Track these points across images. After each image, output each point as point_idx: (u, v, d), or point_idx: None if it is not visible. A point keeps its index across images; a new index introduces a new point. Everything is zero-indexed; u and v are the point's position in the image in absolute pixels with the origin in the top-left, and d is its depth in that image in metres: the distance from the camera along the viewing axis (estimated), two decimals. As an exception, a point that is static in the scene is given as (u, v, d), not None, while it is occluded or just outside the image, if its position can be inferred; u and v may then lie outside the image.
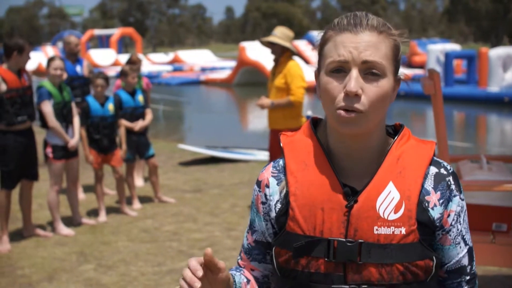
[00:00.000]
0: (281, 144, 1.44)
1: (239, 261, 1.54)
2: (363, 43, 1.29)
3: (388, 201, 1.31)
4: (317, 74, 1.40)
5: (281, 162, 1.45)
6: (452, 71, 19.95)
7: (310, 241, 1.33)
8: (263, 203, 1.44)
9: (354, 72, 1.28)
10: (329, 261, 1.32)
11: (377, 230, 1.30)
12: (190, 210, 6.76)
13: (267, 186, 1.44)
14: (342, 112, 1.28)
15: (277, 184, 1.42)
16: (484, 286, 4.38)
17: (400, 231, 1.30)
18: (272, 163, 1.48)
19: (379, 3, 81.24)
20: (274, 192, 1.42)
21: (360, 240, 1.31)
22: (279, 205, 1.41)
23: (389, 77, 1.33)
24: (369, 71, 1.29)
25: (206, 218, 6.42)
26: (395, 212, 1.31)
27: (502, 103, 17.50)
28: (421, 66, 28.25)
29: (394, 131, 1.45)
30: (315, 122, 1.47)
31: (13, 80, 5.39)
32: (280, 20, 71.10)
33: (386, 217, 1.31)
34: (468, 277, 1.42)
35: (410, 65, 28.91)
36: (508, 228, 3.39)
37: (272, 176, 1.44)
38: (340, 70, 1.30)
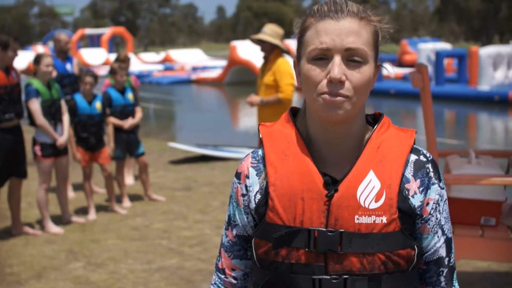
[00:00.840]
0: (260, 135, 1.42)
1: (219, 263, 1.50)
2: (345, 30, 1.28)
3: (368, 190, 1.30)
4: (297, 62, 1.39)
5: (260, 152, 1.43)
6: (443, 70, 20.01)
7: (290, 231, 1.31)
8: (243, 195, 1.42)
9: (337, 59, 1.27)
10: (310, 251, 1.30)
11: (358, 219, 1.29)
12: (180, 208, 6.74)
13: (247, 177, 1.42)
14: (327, 96, 1.27)
15: (257, 174, 1.40)
16: (474, 283, 4.39)
17: (381, 220, 1.29)
18: (251, 153, 1.45)
19: (369, 2, 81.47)
20: (254, 183, 1.40)
21: (341, 230, 1.29)
22: (258, 196, 1.39)
23: (371, 63, 1.32)
24: (352, 58, 1.28)
25: (196, 216, 6.40)
26: (376, 201, 1.30)
27: (492, 101, 17.56)
28: (411, 65, 28.33)
29: (374, 120, 1.44)
30: (294, 112, 1.46)
31: (0, 78, 5.34)
32: (271, 20, 71.05)
33: (367, 206, 1.29)
34: (445, 270, 1.40)
35: (400, 64, 28.97)
36: (497, 222, 3.39)
37: (252, 166, 1.42)
38: (322, 57, 1.29)
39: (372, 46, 1.32)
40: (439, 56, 19.61)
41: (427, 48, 21.24)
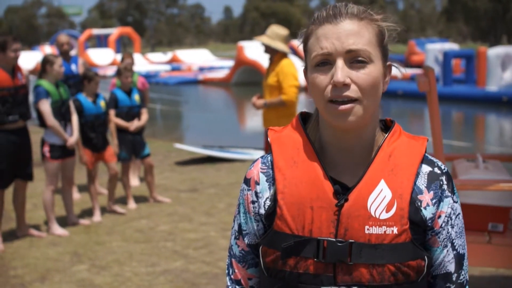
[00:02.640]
0: (269, 140, 1.39)
1: (232, 275, 1.44)
2: (345, 32, 1.26)
3: (379, 200, 1.27)
4: (306, 71, 1.36)
5: (269, 157, 1.40)
6: (451, 70, 19.92)
7: (299, 241, 1.28)
8: (253, 202, 1.38)
9: (340, 63, 1.25)
10: (319, 261, 1.27)
11: (368, 229, 1.26)
12: (186, 210, 6.71)
13: (257, 183, 1.38)
14: (335, 105, 1.25)
15: (267, 180, 1.37)
16: (482, 287, 4.34)
17: (392, 231, 1.26)
18: (260, 159, 1.42)
19: (377, 3, 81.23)
20: (264, 189, 1.37)
21: (350, 240, 1.26)
22: (268, 202, 1.36)
23: (377, 63, 1.28)
24: (355, 59, 1.26)
25: (202, 218, 6.37)
26: (387, 211, 1.26)
27: (501, 102, 17.47)
28: (419, 65, 28.21)
29: (385, 126, 1.40)
30: (304, 117, 1.43)
31: (4, 79, 5.32)
32: (278, 20, 71.04)
33: (377, 217, 1.26)
34: (453, 286, 1.35)
35: (408, 64, 28.86)
36: (505, 228, 3.34)
37: (262, 172, 1.39)
38: (325, 63, 1.27)
39: (376, 46, 1.29)
40: (447, 56, 19.52)
41: (434, 49, 21.15)
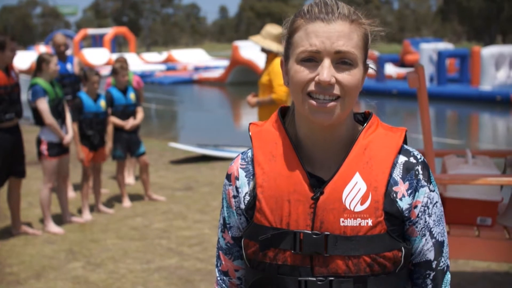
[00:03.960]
0: (250, 134, 1.42)
1: (220, 266, 1.49)
2: (336, 33, 1.27)
3: (354, 193, 1.29)
4: (284, 61, 1.38)
5: (249, 153, 1.44)
6: (445, 70, 19.98)
7: (276, 233, 1.32)
8: (234, 196, 1.42)
9: (327, 62, 1.27)
10: (296, 253, 1.30)
11: (343, 222, 1.28)
12: (180, 208, 6.75)
13: (237, 178, 1.42)
14: (314, 102, 1.27)
15: (246, 176, 1.40)
16: (474, 283, 4.39)
17: (367, 223, 1.28)
18: (240, 154, 1.46)
19: (372, 3, 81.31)
20: (243, 184, 1.40)
21: (326, 233, 1.29)
22: (247, 197, 1.39)
23: (360, 66, 1.31)
24: (341, 60, 1.28)
25: (196, 216, 6.41)
26: (362, 204, 1.29)
27: (495, 101, 17.53)
28: (413, 65, 28.23)
29: (364, 118, 1.43)
30: (283, 112, 1.45)
31: (1, 78, 5.35)
32: (274, 20, 70.94)
33: (352, 209, 1.29)
34: (433, 273, 1.38)
35: (403, 64, 28.90)
36: (493, 222, 3.39)
37: (241, 168, 1.42)
38: (311, 59, 1.29)
39: (362, 49, 1.31)
40: (441, 56, 19.58)
41: (429, 48, 21.20)
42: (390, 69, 24.17)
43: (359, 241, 1.28)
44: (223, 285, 1.50)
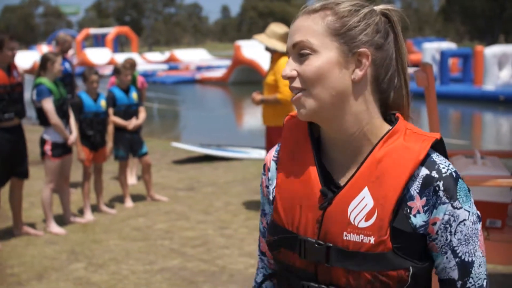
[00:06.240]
0: (284, 124, 1.42)
1: (261, 247, 1.52)
2: (295, 28, 1.29)
3: (360, 208, 1.24)
4: None
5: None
6: (448, 69, 19.93)
7: (285, 237, 1.32)
8: (267, 186, 1.43)
9: (290, 58, 1.30)
10: (301, 258, 1.30)
11: (346, 236, 1.24)
12: (183, 208, 6.70)
13: (269, 169, 1.43)
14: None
15: (276, 169, 1.40)
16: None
17: (369, 240, 1.22)
18: (276, 146, 1.45)
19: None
20: (273, 177, 1.41)
21: (328, 244, 1.26)
22: (274, 191, 1.39)
23: (323, 52, 1.24)
24: (299, 53, 1.28)
25: (199, 216, 6.36)
26: (366, 220, 1.23)
27: (497, 101, 17.48)
28: (416, 64, 28.20)
29: (396, 120, 1.32)
30: None
31: (1, 77, 5.30)
32: (276, 19, 70.98)
33: (356, 224, 1.23)
34: None
35: (406, 63, 28.85)
36: (503, 225, 3.32)
37: (273, 160, 1.43)
38: None
39: (327, 35, 1.25)
40: (444, 55, 19.54)
41: (432, 48, 21.16)
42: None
43: (360, 257, 1.23)
44: (262, 263, 1.54)
